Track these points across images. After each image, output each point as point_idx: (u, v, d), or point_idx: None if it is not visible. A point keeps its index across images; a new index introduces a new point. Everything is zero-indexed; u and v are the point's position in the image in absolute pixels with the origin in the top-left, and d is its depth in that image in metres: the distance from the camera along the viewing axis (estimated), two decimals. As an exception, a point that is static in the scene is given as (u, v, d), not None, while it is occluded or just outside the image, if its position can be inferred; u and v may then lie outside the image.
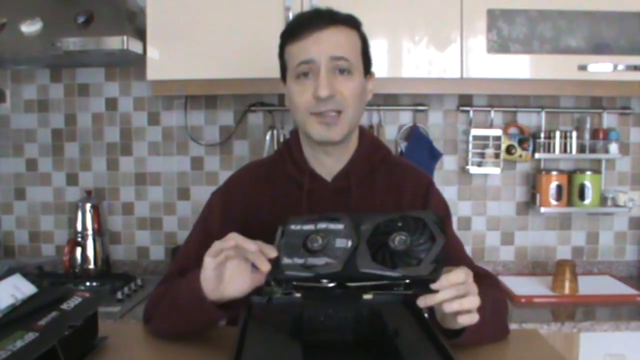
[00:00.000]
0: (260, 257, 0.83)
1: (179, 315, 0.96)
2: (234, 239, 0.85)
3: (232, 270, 0.89)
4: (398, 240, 0.78)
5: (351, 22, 1.07)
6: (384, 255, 0.78)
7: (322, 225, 0.83)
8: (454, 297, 0.80)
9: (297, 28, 1.05)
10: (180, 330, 0.98)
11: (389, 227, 0.81)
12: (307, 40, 1.03)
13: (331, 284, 0.79)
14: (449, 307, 0.80)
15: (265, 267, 0.82)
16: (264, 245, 0.84)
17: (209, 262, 0.87)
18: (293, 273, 0.80)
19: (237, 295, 0.90)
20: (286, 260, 0.81)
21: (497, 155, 2.05)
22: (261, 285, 0.87)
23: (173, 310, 0.97)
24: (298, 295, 0.82)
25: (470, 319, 0.83)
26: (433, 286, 0.78)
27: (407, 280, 0.77)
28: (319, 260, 0.79)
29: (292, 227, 0.85)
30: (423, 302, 0.80)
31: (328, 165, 1.12)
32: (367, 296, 0.81)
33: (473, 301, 0.82)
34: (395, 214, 0.82)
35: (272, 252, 0.83)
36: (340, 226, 0.83)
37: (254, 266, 0.84)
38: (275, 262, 0.82)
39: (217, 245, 0.87)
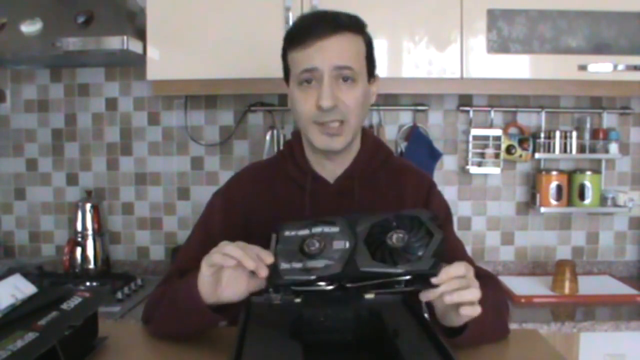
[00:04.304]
0: (259, 263, 0.82)
1: (177, 317, 0.95)
2: (234, 256, 0.83)
3: (230, 275, 0.88)
4: (396, 238, 0.78)
5: (356, 27, 1.04)
6: (383, 253, 0.78)
7: (317, 229, 0.83)
8: (455, 289, 0.80)
9: (301, 34, 1.02)
10: (178, 331, 0.98)
11: (385, 227, 0.80)
12: (310, 49, 1.00)
13: (330, 287, 0.79)
14: (450, 299, 0.80)
15: (263, 272, 0.81)
16: (261, 251, 0.83)
17: (206, 269, 0.87)
18: (292, 277, 0.79)
19: (235, 299, 0.90)
20: (284, 266, 0.80)
21: (497, 155, 2.05)
22: (259, 290, 0.86)
23: (171, 312, 0.97)
24: (298, 300, 0.81)
25: (472, 311, 0.82)
26: (434, 280, 0.77)
27: (408, 277, 0.76)
28: (318, 263, 0.79)
29: (287, 233, 0.84)
30: (425, 296, 0.80)
31: (330, 167, 1.12)
32: (369, 295, 0.80)
33: (474, 293, 0.82)
34: (390, 214, 0.82)
35: (269, 258, 0.82)
36: (335, 229, 0.82)
37: (252, 271, 0.83)
38: (272, 269, 0.81)
39: (216, 258, 0.85)
